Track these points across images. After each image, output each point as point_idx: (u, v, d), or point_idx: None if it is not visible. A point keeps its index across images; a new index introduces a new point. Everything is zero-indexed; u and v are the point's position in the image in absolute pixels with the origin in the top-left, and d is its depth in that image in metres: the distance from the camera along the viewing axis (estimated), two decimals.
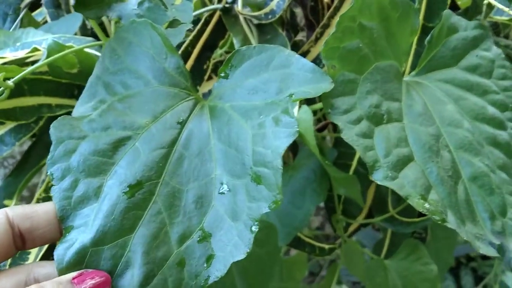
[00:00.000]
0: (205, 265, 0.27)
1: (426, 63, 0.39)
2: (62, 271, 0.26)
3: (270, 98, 0.30)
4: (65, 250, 0.26)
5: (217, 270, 0.26)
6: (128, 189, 0.28)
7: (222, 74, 0.33)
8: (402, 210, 0.57)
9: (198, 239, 0.27)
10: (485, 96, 0.38)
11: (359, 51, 0.33)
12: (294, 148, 0.69)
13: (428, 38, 0.38)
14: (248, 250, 0.26)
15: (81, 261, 0.26)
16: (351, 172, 0.57)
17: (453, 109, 0.36)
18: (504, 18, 0.66)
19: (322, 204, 0.62)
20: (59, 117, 0.30)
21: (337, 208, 0.59)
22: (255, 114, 0.30)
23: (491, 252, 0.30)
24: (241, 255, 0.26)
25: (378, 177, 0.30)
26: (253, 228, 0.27)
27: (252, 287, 0.47)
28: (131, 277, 0.26)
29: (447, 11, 0.39)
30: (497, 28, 0.71)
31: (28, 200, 1.15)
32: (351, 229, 0.64)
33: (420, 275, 0.57)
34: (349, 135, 0.30)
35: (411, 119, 0.33)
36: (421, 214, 0.59)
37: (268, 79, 0.31)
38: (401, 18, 0.35)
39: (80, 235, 0.26)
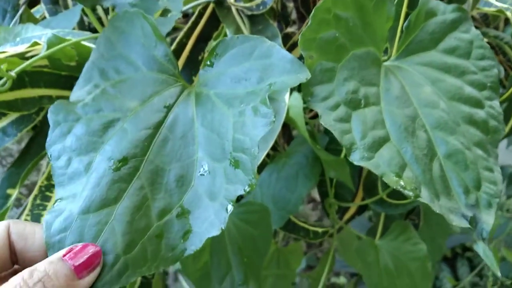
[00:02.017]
0: (182, 239, 0.28)
1: (405, 48, 0.40)
2: (48, 237, 0.27)
3: (251, 87, 0.32)
4: (54, 218, 0.28)
5: (193, 245, 0.28)
6: (114, 164, 0.30)
7: (208, 63, 0.34)
8: (392, 192, 0.59)
9: (177, 214, 0.29)
10: (462, 76, 0.39)
11: (335, 40, 0.34)
12: (289, 138, 0.71)
13: (405, 23, 0.39)
14: (223, 228, 0.28)
15: (67, 227, 0.28)
16: (341, 157, 0.58)
17: (430, 91, 0.38)
18: (492, 9, 0.67)
19: (319, 199, 0.64)
20: (56, 102, 0.32)
21: (329, 191, 0.61)
22: (237, 102, 0.32)
23: (463, 223, 0.32)
24: (216, 232, 0.28)
25: (355, 158, 0.31)
26: (229, 208, 0.28)
27: (247, 265, 0.50)
28: (114, 244, 0.28)
29: None
30: (487, 20, 0.72)
31: (26, 198, 1.17)
32: (346, 217, 0.66)
33: (410, 254, 0.59)
34: (327, 120, 0.32)
35: (388, 102, 0.35)
36: None
37: (250, 68, 0.33)
38: (376, 7, 0.36)
39: (68, 205, 0.28)
